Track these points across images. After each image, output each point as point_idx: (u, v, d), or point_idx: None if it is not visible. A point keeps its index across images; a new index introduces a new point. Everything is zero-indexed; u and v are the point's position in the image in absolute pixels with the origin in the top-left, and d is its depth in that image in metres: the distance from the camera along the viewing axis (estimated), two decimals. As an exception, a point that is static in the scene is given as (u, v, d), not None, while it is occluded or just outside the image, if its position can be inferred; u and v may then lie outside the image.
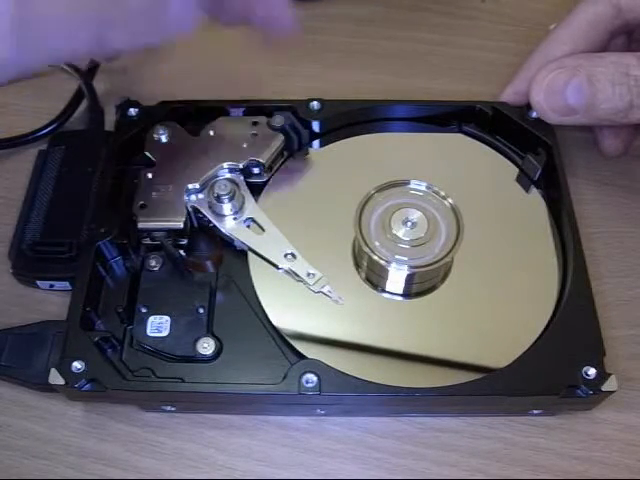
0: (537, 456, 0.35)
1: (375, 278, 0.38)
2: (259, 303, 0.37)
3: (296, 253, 0.38)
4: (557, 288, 0.37)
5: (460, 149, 0.44)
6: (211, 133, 0.42)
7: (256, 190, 0.41)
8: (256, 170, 0.41)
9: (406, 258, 0.36)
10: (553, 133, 0.42)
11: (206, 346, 0.35)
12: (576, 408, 0.36)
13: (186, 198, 0.39)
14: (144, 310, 0.36)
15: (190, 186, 0.39)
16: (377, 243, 0.37)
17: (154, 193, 0.39)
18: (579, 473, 0.35)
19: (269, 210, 0.40)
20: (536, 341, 0.35)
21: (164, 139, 0.41)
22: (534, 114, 0.42)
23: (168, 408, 0.36)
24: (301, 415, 0.37)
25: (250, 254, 0.39)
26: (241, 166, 0.40)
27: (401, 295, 0.38)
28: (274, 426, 0.36)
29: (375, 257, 0.36)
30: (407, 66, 0.52)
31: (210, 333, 0.36)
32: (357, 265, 0.39)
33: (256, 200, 0.40)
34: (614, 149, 0.45)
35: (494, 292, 0.38)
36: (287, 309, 0.37)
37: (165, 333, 0.36)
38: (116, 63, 0.46)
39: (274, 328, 0.36)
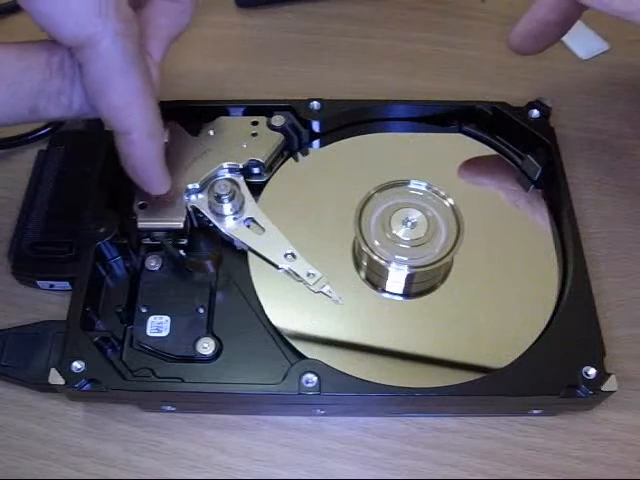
0: (537, 456, 0.35)
1: (375, 278, 0.38)
2: (259, 303, 0.37)
3: (296, 253, 0.38)
4: (557, 288, 0.37)
5: (460, 149, 0.44)
6: (211, 133, 0.42)
7: (256, 190, 0.41)
8: (256, 170, 0.41)
9: (406, 258, 0.36)
10: (553, 133, 0.42)
11: (206, 346, 0.35)
12: (576, 408, 0.36)
13: (186, 198, 0.39)
14: (144, 310, 0.36)
15: (190, 186, 0.39)
16: (377, 243, 0.37)
17: (154, 193, 0.39)
18: (579, 473, 0.35)
19: (269, 210, 0.40)
20: (536, 341, 0.35)
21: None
22: (534, 114, 0.42)
23: (168, 408, 0.36)
24: (301, 415, 0.36)
25: (250, 254, 0.38)
26: (241, 166, 0.40)
27: (401, 295, 0.38)
28: (274, 426, 0.36)
29: (375, 257, 0.36)
30: (407, 66, 0.52)
31: (210, 333, 0.36)
32: (357, 265, 0.39)
33: (256, 200, 0.40)
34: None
35: (494, 292, 0.38)
36: (287, 309, 0.37)
37: (165, 333, 0.36)
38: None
39: (274, 328, 0.36)
